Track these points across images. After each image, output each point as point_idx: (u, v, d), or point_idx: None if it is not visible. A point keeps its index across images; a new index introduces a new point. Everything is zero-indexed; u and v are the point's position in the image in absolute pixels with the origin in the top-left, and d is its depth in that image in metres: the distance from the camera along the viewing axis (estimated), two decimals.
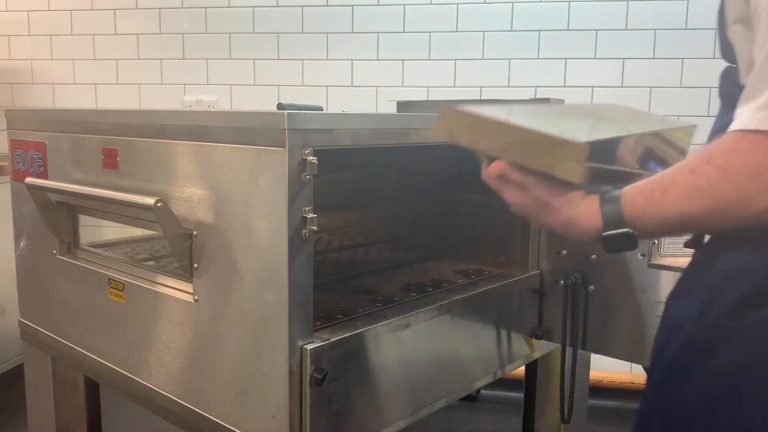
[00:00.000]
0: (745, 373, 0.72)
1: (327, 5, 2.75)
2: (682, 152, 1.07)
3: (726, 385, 0.74)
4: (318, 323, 1.11)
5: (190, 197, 1.12)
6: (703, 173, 0.72)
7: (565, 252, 1.46)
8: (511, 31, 2.63)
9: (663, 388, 0.80)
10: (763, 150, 0.70)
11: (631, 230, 0.78)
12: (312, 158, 0.98)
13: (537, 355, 1.55)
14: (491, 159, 0.86)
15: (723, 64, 0.88)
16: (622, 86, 2.56)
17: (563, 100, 1.69)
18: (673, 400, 0.79)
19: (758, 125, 0.69)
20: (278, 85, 2.83)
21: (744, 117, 0.71)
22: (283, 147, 0.96)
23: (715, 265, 0.78)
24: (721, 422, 0.74)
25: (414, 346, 1.20)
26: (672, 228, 0.77)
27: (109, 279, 1.30)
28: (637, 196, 0.78)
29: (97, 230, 1.45)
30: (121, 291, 1.28)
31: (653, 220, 0.77)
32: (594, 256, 1.41)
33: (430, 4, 2.68)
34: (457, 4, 2.66)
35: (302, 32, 2.79)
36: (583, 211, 0.81)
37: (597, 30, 2.56)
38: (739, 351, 0.73)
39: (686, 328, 0.77)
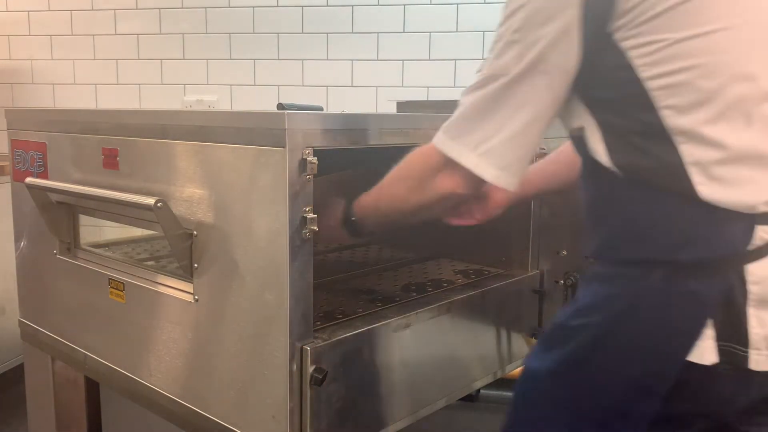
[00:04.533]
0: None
1: (327, 5, 2.75)
2: None
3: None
4: (318, 323, 1.11)
5: (190, 197, 1.12)
6: (390, 176, 0.96)
7: (565, 252, 1.46)
8: None
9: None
10: (421, 158, 0.93)
11: (354, 218, 1.06)
12: (312, 158, 0.98)
13: None
14: None
15: None
16: None
17: None
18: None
19: (434, 139, 0.91)
20: (278, 85, 2.83)
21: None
22: (283, 147, 0.96)
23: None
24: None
25: (414, 346, 1.20)
26: (377, 217, 1.04)
27: (109, 279, 1.31)
28: (363, 196, 1.04)
29: (97, 230, 1.45)
30: (121, 291, 1.28)
31: (363, 211, 1.04)
32: None
33: (430, 4, 2.68)
34: (457, 4, 2.66)
35: (302, 32, 2.79)
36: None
37: None
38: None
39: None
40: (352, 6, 2.73)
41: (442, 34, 2.69)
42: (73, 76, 3.02)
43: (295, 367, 1.00)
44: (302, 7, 2.77)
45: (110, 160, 1.26)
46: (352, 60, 2.76)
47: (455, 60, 2.68)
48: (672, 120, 0.79)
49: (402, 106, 1.89)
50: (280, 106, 1.29)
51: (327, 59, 2.78)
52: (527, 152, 0.88)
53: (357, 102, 2.74)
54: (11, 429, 2.34)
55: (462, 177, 0.90)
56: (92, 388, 1.57)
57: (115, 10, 2.94)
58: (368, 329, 1.11)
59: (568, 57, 0.82)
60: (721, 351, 0.81)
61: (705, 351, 0.81)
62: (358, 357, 1.09)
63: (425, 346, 1.23)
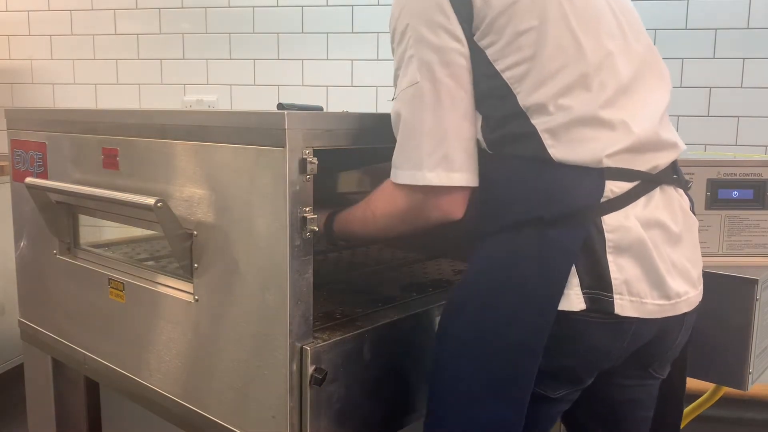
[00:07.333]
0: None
1: (327, 5, 2.75)
2: None
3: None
4: (318, 323, 1.11)
5: (190, 197, 1.12)
6: (365, 209, 1.08)
7: None
8: None
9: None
10: (391, 197, 1.03)
11: (334, 230, 1.16)
12: (312, 158, 0.98)
13: None
14: None
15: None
16: None
17: None
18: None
19: (393, 178, 1.01)
20: (278, 85, 2.83)
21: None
22: (283, 147, 0.96)
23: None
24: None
25: (414, 347, 1.20)
26: (356, 239, 1.24)
27: (109, 279, 1.31)
28: (346, 213, 1.14)
29: (97, 230, 1.45)
30: (121, 291, 1.28)
31: (343, 233, 1.15)
32: None
33: None
34: None
35: (302, 32, 2.79)
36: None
37: None
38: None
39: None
40: (352, 6, 2.73)
41: None
42: (73, 75, 3.02)
43: (295, 367, 1.00)
44: (302, 7, 2.77)
45: (110, 160, 1.26)
46: (352, 60, 2.76)
47: None
48: (524, 100, 0.94)
49: None
50: (280, 106, 1.29)
51: (327, 59, 2.78)
52: (469, 146, 0.99)
53: (357, 102, 2.74)
54: (11, 429, 2.34)
55: (446, 198, 0.99)
56: (92, 388, 1.57)
57: (115, 10, 2.95)
58: (368, 329, 1.11)
59: (464, 55, 0.97)
60: (589, 299, 0.92)
61: (573, 298, 0.92)
62: (358, 357, 1.09)
63: (425, 346, 1.23)
